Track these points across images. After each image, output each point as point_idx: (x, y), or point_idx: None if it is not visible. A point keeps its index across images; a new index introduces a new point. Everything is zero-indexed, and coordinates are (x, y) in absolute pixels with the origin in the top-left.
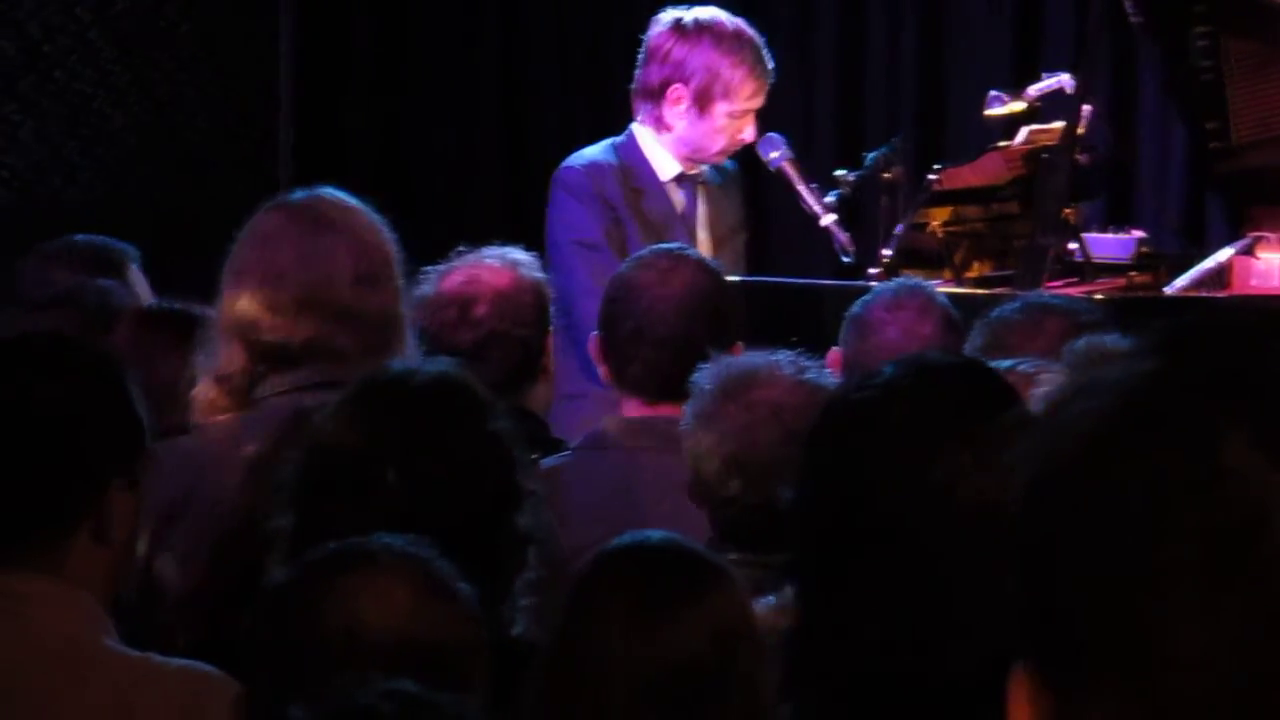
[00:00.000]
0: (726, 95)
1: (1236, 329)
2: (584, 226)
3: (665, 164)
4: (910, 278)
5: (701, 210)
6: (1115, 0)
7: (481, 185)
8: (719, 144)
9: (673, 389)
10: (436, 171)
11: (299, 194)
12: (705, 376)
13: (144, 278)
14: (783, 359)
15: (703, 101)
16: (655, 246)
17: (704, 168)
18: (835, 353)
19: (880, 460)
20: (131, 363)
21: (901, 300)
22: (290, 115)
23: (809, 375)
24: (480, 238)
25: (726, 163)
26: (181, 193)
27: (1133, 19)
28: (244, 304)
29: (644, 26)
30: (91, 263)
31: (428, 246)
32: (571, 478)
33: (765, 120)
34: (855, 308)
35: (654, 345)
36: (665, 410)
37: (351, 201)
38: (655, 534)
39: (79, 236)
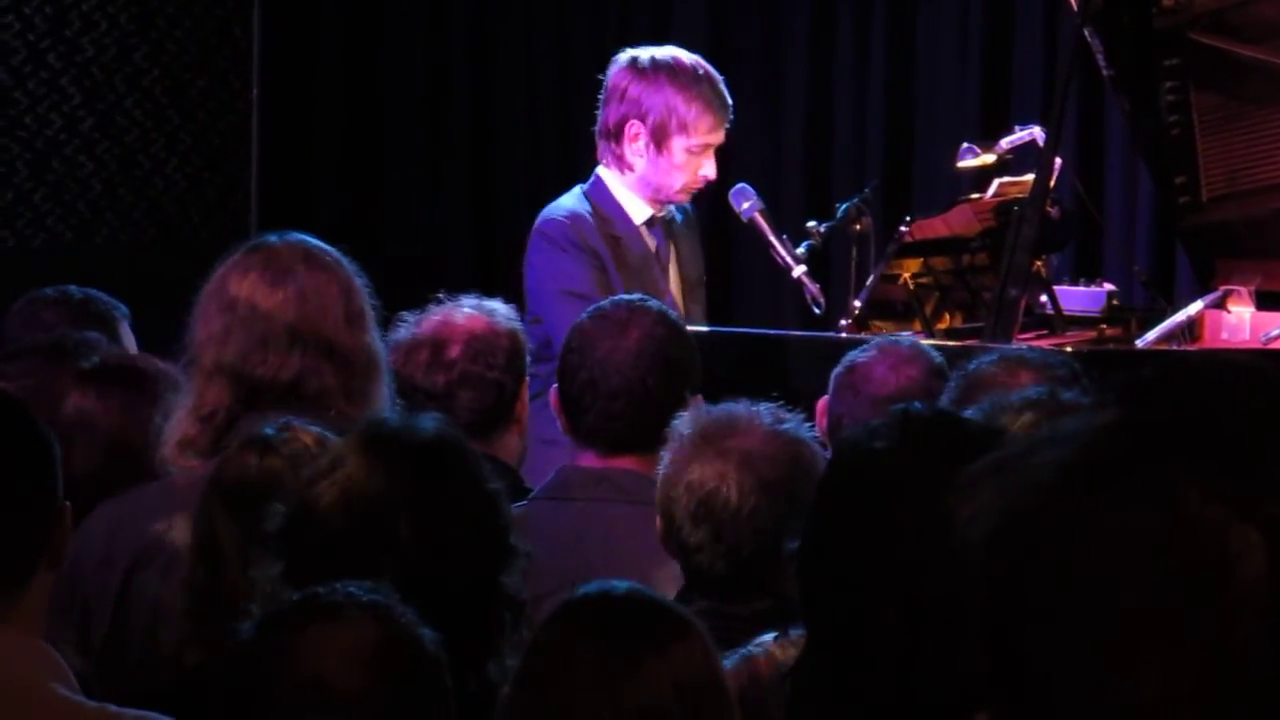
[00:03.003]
0: (684, 130)
1: (1195, 381)
2: (572, 276)
3: (635, 207)
4: (901, 333)
5: (670, 252)
6: (1085, 53)
7: (450, 233)
8: (679, 181)
9: (628, 441)
10: (405, 219)
11: (273, 237)
12: (684, 422)
13: (133, 337)
14: (763, 409)
15: (659, 137)
16: (615, 297)
17: (670, 208)
18: (824, 401)
19: (889, 505)
20: (80, 418)
21: (894, 346)
22: (259, 162)
23: (787, 426)
24: (448, 284)
25: (685, 204)
26: (149, 239)
27: (1104, 72)
28: (235, 339)
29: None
30: (82, 313)
31: (396, 290)
32: (528, 527)
33: (735, 171)
34: (846, 356)
35: (607, 396)
36: (620, 462)
37: (328, 246)
38: (620, 584)
39: (73, 287)
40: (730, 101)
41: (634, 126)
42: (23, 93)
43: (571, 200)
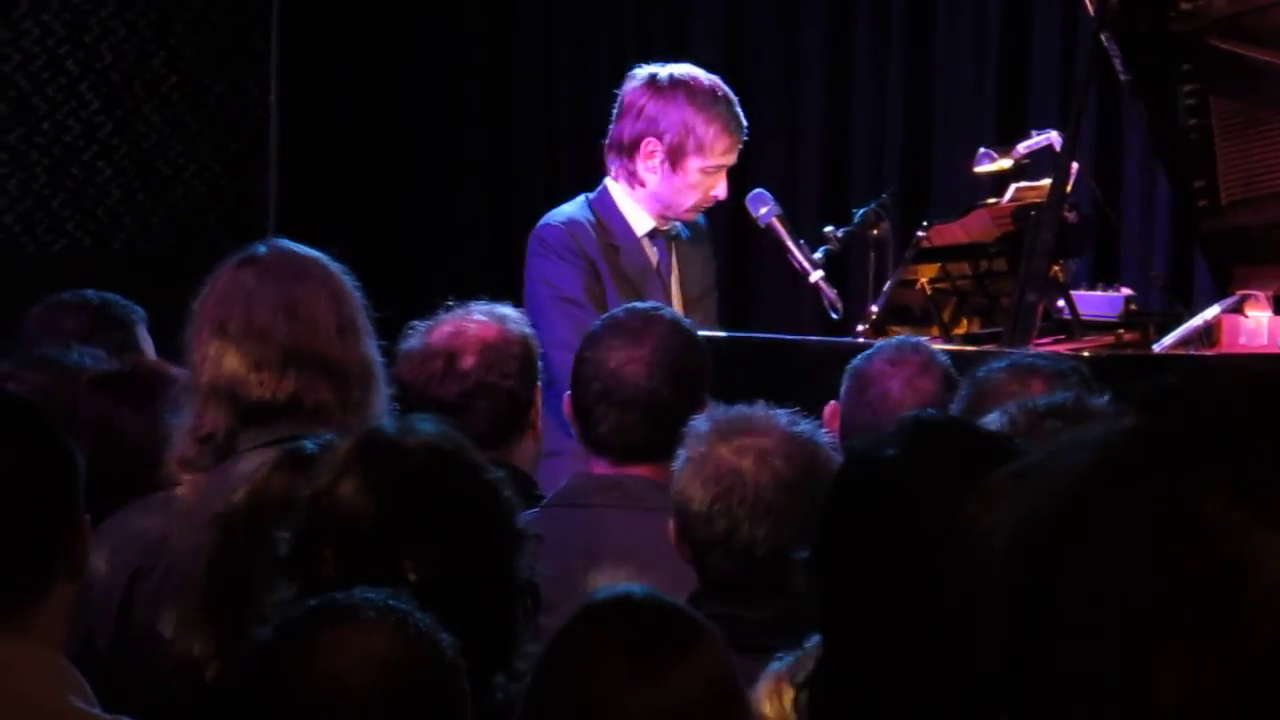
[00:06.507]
0: (700, 151)
1: (1217, 387)
2: (565, 283)
3: (639, 219)
4: (912, 336)
5: (672, 267)
6: (1102, 58)
7: (467, 241)
8: (691, 200)
9: (641, 449)
10: (422, 226)
11: (261, 247)
12: (701, 420)
13: (150, 340)
14: (780, 412)
15: (675, 156)
16: (629, 305)
17: (675, 223)
18: (833, 405)
19: (903, 511)
20: (93, 426)
21: (905, 356)
22: (277, 168)
23: (804, 428)
24: (465, 292)
25: (697, 217)
26: (167, 245)
27: (1121, 76)
28: (229, 362)
29: None
30: (100, 317)
31: (413, 300)
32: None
33: (753, 176)
34: (857, 360)
35: (621, 406)
36: (633, 470)
37: (314, 251)
38: (637, 589)
39: (91, 291)
40: (746, 123)
41: (650, 144)
42: (41, 99)
43: (573, 208)
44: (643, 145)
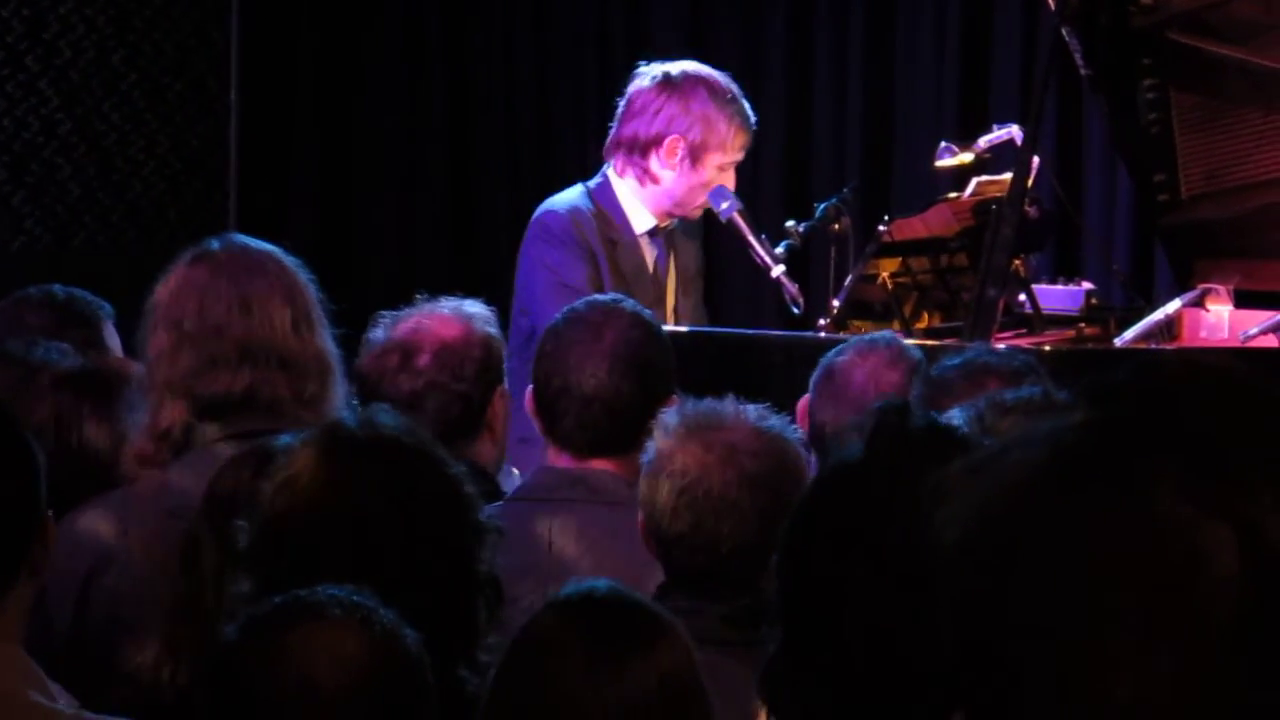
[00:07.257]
0: (721, 147)
1: (1165, 380)
2: (567, 270)
3: (640, 217)
4: (885, 330)
5: (669, 261)
6: (1063, 52)
7: (427, 235)
8: (704, 196)
9: (603, 444)
10: (383, 221)
11: (214, 242)
12: (671, 414)
13: (117, 336)
14: (749, 407)
15: (697, 153)
16: (590, 298)
17: (673, 219)
18: (805, 400)
19: (862, 503)
20: (53, 426)
21: (874, 348)
22: (238, 165)
23: (773, 424)
24: (426, 285)
25: None
26: (127, 242)
27: (1082, 71)
28: (184, 358)
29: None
30: (66, 313)
31: (373, 292)
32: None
33: None
34: (830, 353)
35: (582, 402)
36: (596, 464)
37: (268, 246)
38: (600, 583)
39: (58, 287)
40: (754, 117)
41: (674, 142)
42: (0, 95)
43: (574, 195)
44: (666, 143)
